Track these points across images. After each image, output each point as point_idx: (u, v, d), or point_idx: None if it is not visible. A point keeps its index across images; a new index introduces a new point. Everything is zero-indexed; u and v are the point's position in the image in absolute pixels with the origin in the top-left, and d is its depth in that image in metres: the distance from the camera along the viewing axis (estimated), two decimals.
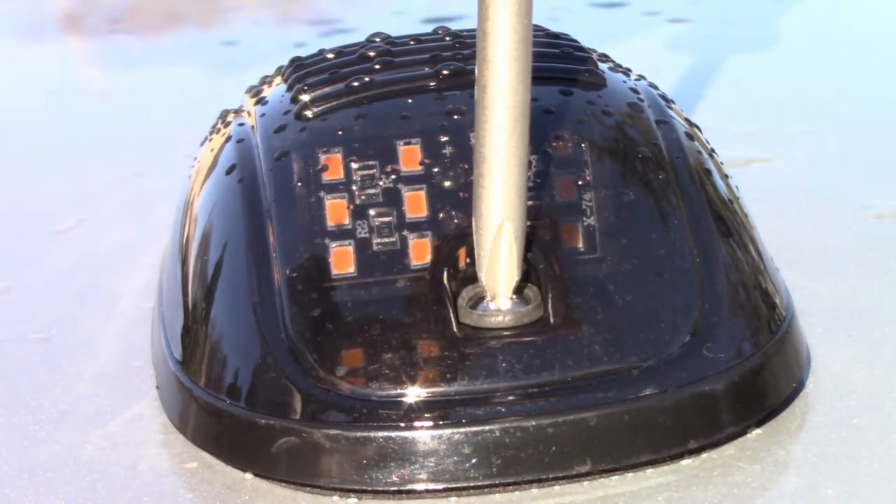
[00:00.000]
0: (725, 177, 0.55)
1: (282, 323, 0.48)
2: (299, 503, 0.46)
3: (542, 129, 0.51)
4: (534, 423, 0.45)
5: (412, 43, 0.56)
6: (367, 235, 0.49)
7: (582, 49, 0.57)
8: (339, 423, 0.46)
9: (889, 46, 0.99)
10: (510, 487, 0.46)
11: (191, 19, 1.24)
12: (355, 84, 0.53)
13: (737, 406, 0.48)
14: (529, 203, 0.49)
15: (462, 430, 0.45)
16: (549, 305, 0.48)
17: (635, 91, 0.55)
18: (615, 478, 0.46)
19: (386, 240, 0.49)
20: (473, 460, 0.45)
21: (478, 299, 0.48)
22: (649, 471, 0.46)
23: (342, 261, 0.49)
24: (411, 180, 0.50)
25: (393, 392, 0.46)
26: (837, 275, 0.60)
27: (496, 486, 0.46)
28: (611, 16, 1.10)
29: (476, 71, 0.45)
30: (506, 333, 0.47)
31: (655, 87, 0.57)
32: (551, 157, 0.51)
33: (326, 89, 0.54)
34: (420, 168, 0.50)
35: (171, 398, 0.51)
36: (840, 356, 0.53)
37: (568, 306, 0.48)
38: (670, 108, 0.56)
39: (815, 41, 1.01)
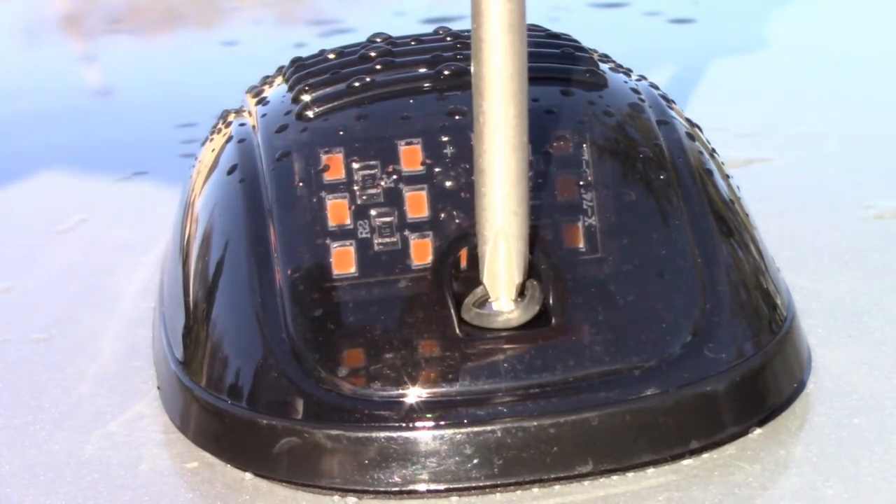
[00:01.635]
0: (726, 177, 0.55)
1: (283, 323, 0.48)
2: (300, 503, 0.46)
3: (543, 130, 0.51)
4: (535, 423, 0.45)
5: (413, 43, 0.56)
6: (369, 235, 0.49)
7: (583, 49, 0.57)
8: (340, 423, 0.46)
9: (889, 47, 0.99)
10: (511, 487, 0.46)
11: (191, 19, 1.24)
12: (356, 84, 0.53)
13: (738, 406, 0.48)
14: (531, 203, 0.49)
15: (464, 430, 0.45)
16: (551, 306, 0.48)
17: (636, 91, 0.55)
18: (616, 477, 0.46)
19: (387, 240, 0.49)
20: (475, 461, 0.45)
21: (484, 300, 0.48)
22: (650, 470, 0.46)
23: (343, 261, 0.49)
24: (412, 180, 0.50)
25: (394, 392, 0.46)
26: (838, 275, 0.60)
27: (497, 486, 0.46)
28: (611, 16, 1.10)
29: (472, 88, 0.45)
30: (507, 334, 0.47)
31: (656, 88, 0.57)
32: (553, 158, 0.51)
33: (328, 89, 0.54)
34: (421, 168, 0.51)
35: (173, 398, 0.51)
36: (840, 356, 0.53)
37: (569, 306, 0.48)
38: (671, 109, 0.56)
39: (816, 42, 1.01)
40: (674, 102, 0.57)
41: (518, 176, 0.46)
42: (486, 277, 0.48)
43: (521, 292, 0.48)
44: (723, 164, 0.56)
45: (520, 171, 0.46)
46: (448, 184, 0.50)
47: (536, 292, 0.48)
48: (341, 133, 0.52)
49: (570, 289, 0.48)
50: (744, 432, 0.48)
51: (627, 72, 0.58)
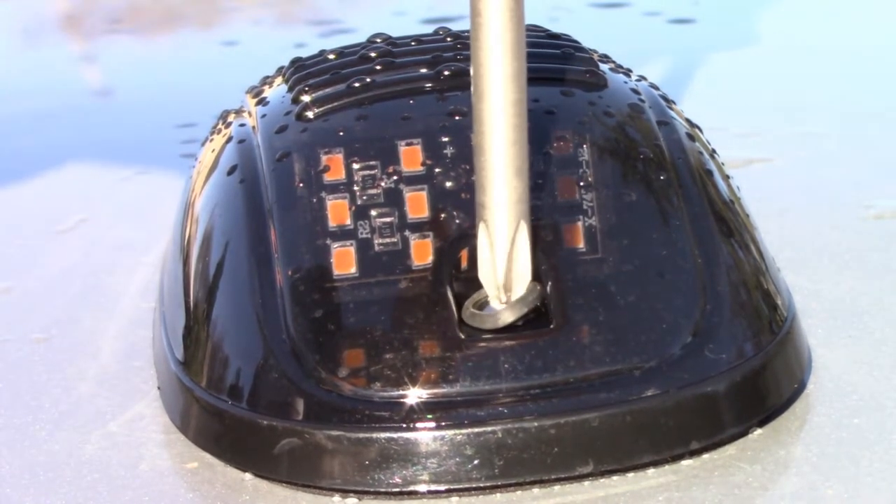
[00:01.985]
0: (726, 177, 0.55)
1: (284, 324, 0.48)
2: (300, 503, 0.46)
3: (543, 130, 0.51)
4: (536, 424, 0.45)
5: (413, 44, 0.56)
6: (369, 236, 0.49)
7: (583, 50, 0.57)
8: (341, 424, 0.46)
9: (889, 48, 0.99)
10: (512, 488, 0.46)
11: (191, 19, 1.24)
12: (357, 85, 0.53)
13: (738, 407, 0.48)
14: (531, 203, 0.48)
15: (464, 431, 0.45)
16: (551, 306, 0.48)
17: (636, 92, 0.55)
18: (616, 478, 0.46)
19: (387, 240, 0.49)
20: (475, 461, 0.45)
21: (484, 300, 0.48)
22: (650, 471, 0.46)
23: (344, 261, 0.49)
24: (413, 181, 0.50)
25: (395, 393, 0.46)
26: (838, 275, 0.60)
27: (498, 486, 0.46)
28: (611, 16, 1.10)
29: (472, 84, 0.45)
30: (507, 334, 0.47)
31: (656, 88, 0.57)
32: (553, 158, 0.51)
33: (328, 90, 0.54)
34: (421, 168, 0.51)
35: (173, 399, 0.51)
36: (840, 357, 0.53)
37: (570, 307, 0.48)
38: (671, 109, 0.56)
39: (816, 42, 1.01)
40: (674, 103, 0.57)
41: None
42: (481, 277, 0.48)
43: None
44: (723, 164, 0.56)
45: (522, 172, 0.46)
46: (448, 184, 0.50)
47: (530, 293, 0.48)
48: (341, 133, 0.52)
49: (571, 289, 0.48)
50: (744, 433, 0.48)
51: (627, 72, 0.58)
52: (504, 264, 0.47)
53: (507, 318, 0.47)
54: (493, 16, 0.44)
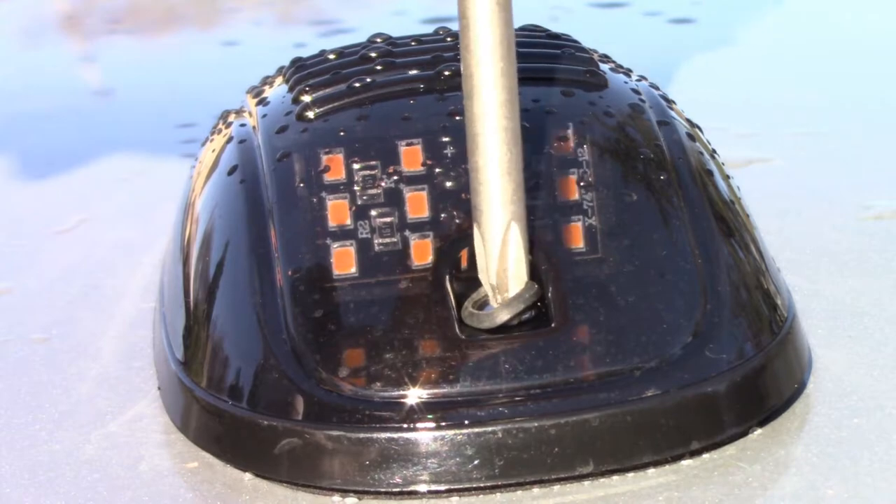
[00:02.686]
0: (727, 177, 0.55)
1: (284, 324, 0.48)
2: (300, 503, 0.46)
3: (544, 130, 0.51)
4: (536, 424, 0.45)
5: (413, 44, 0.56)
6: (369, 236, 0.49)
7: (583, 50, 0.57)
8: (341, 424, 0.46)
9: (889, 48, 0.99)
10: (512, 487, 0.46)
11: (191, 19, 1.24)
12: (357, 85, 0.53)
13: (738, 407, 0.48)
14: (531, 204, 0.49)
15: (464, 431, 0.45)
16: (552, 306, 0.48)
17: (637, 92, 0.55)
18: (615, 477, 0.46)
19: (387, 240, 0.49)
20: (476, 461, 0.45)
21: (483, 300, 0.48)
22: (650, 470, 0.46)
23: (344, 261, 0.49)
24: (413, 181, 0.50)
25: (395, 393, 0.46)
26: (838, 276, 0.60)
27: (498, 486, 0.46)
28: (611, 16, 1.10)
29: (462, 83, 0.45)
30: (507, 334, 0.47)
31: (657, 88, 0.57)
32: (553, 158, 0.51)
33: (328, 90, 0.54)
34: (422, 168, 0.51)
35: (173, 399, 0.51)
36: (840, 357, 0.53)
37: (570, 307, 0.48)
38: (671, 109, 0.56)
39: (816, 42, 1.01)
40: (674, 103, 0.57)
41: (515, 177, 0.46)
42: (480, 278, 0.48)
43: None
44: (723, 164, 0.56)
45: (517, 172, 0.46)
46: (448, 184, 0.50)
47: (526, 291, 0.48)
48: (342, 133, 0.52)
49: (571, 289, 0.48)
50: (744, 433, 0.48)
51: (628, 72, 0.58)
52: (496, 266, 0.47)
53: (503, 316, 0.47)
54: (479, 17, 0.44)
